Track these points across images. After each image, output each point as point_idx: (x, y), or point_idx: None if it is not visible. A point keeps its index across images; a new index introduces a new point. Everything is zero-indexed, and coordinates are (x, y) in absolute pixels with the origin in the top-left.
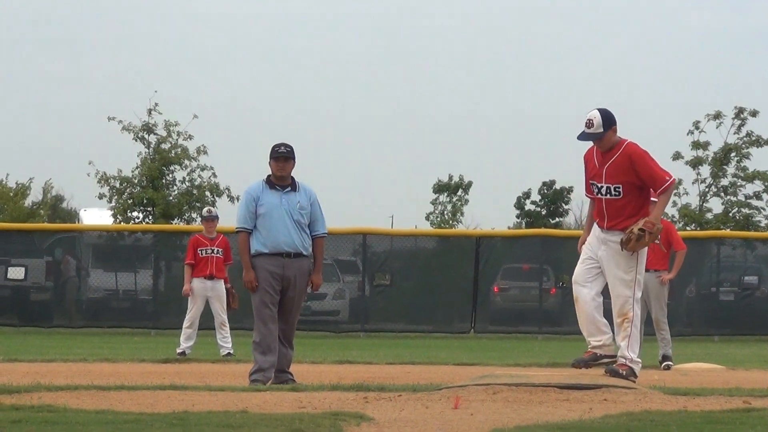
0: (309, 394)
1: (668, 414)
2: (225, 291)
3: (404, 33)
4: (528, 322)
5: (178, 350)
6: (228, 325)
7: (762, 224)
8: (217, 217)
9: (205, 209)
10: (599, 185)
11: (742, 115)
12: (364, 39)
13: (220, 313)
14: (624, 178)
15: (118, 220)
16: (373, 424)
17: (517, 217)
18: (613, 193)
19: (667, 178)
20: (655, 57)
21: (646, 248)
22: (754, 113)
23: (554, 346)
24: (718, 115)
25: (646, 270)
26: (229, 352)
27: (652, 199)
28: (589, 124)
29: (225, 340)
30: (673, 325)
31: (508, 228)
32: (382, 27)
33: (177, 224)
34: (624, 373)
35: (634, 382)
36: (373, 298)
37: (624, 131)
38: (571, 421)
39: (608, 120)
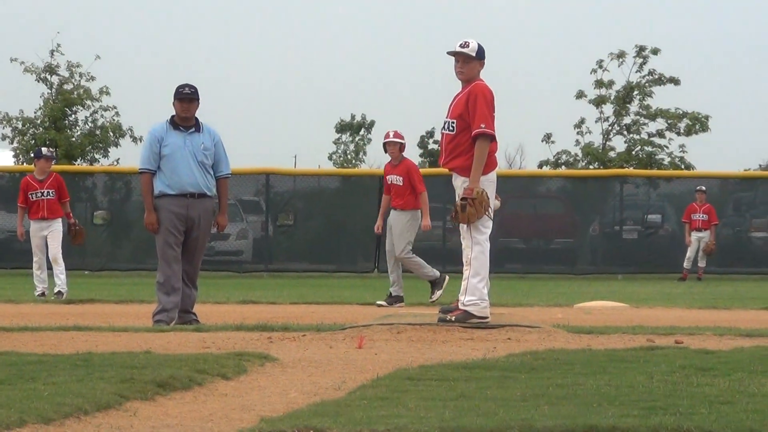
0: (213, 334)
1: (572, 353)
2: (60, 228)
3: None
4: (431, 261)
5: (37, 293)
6: (62, 263)
7: (665, 162)
8: (52, 158)
9: (44, 148)
10: (444, 120)
11: (643, 53)
12: None
13: (53, 249)
14: (459, 114)
15: (20, 161)
16: (278, 364)
17: (421, 156)
18: (449, 127)
19: (483, 126)
20: None
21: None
22: (655, 51)
23: (458, 286)
24: (621, 55)
25: (394, 208)
26: (60, 291)
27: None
28: (465, 44)
29: (58, 277)
30: (576, 263)
31: None
32: None
33: (80, 165)
34: (452, 318)
35: (478, 323)
36: (276, 238)
37: (528, 71)
38: (475, 360)
39: (482, 52)
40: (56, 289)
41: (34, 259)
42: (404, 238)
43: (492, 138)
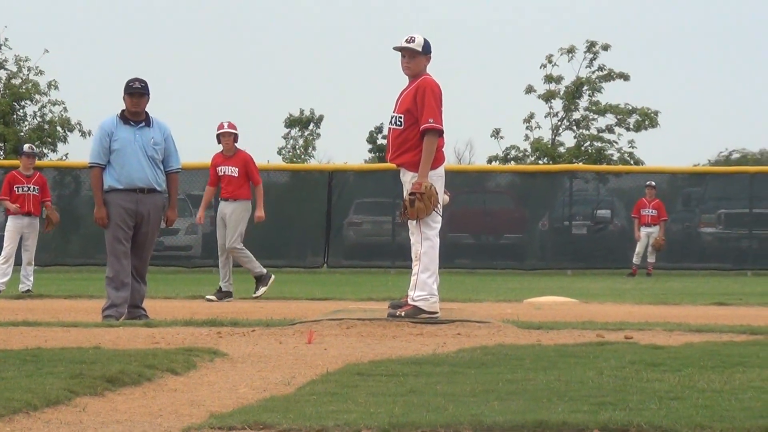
0: (162, 329)
1: (522, 348)
2: (38, 228)
3: None
4: (381, 256)
5: None
6: (33, 264)
7: (614, 158)
8: (36, 155)
9: (26, 145)
10: (390, 115)
11: (594, 49)
12: None
13: (31, 251)
14: (407, 109)
15: None
16: (227, 360)
17: (370, 151)
18: (396, 122)
19: (431, 120)
20: None
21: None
22: (605, 47)
23: (407, 281)
24: (571, 50)
25: (226, 199)
26: (28, 289)
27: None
28: (411, 39)
29: (28, 277)
30: (526, 259)
31: (365, 162)
32: None
33: None
34: (401, 314)
35: (427, 318)
36: None
37: (477, 66)
38: (425, 355)
39: (428, 47)
40: (25, 288)
41: (4, 252)
42: (237, 229)
43: (440, 133)
